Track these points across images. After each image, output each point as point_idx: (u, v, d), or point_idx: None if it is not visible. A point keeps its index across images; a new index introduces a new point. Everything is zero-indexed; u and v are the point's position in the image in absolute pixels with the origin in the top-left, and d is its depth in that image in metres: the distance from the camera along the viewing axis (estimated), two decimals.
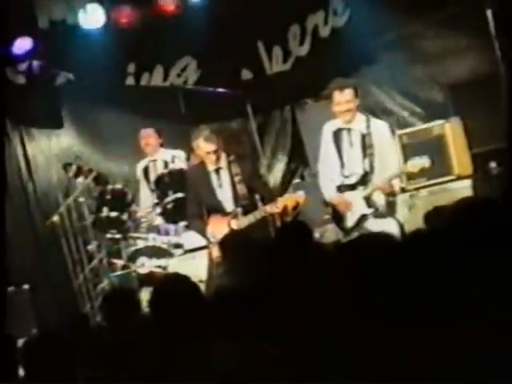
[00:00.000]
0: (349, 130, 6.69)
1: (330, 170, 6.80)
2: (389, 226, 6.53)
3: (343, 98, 6.59)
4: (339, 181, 6.75)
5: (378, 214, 6.63)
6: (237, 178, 6.83)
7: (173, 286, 3.33)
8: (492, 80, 7.78)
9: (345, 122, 6.68)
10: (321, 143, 6.95)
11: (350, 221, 6.71)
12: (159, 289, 3.43)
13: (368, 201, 6.63)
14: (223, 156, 6.92)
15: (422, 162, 6.65)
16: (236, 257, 5.22)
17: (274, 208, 6.63)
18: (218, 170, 6.91)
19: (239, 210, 6.80)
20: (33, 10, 8.68)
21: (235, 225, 6.75)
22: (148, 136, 8.60)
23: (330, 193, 6.78)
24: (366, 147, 6.65)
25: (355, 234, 6.64)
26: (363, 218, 6.65)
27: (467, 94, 7.98)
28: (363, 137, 6.65)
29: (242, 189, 6.81)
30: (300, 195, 6.67)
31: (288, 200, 6.64)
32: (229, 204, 6.88)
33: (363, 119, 6.70)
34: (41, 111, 9.28)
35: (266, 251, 4.52)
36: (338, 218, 6.79)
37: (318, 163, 7.05)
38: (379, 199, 6.68)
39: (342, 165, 6.74)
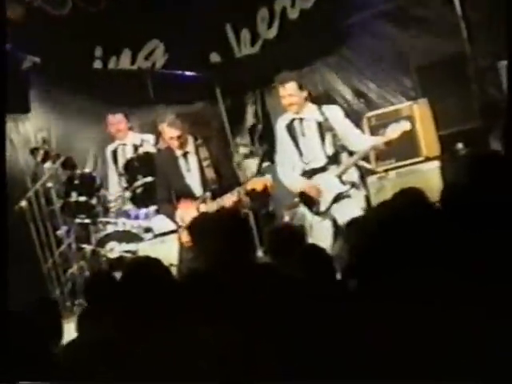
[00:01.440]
0: (300, 119, 6.74)
1: (289, 161, 6.82)
2: (356, 210, 6.58)
3: (286, 92, 6.65)
4: (300, 168, 6.77)
5: (350, 194, 6.66)
6: (205, 163, 6.80)
7: (143, 269, 3.31)
8: (459, 61, 7.82)
9: (295, 113, 6.73)
10: (276, 137, 6.98)
11: (324, 204, 6.72)
12: (130, 271, 3.41)
13: (341, 178, 6.66)
14: (191, 140, 6.88)
15: (402, 125, 6.56)
16: (205, 240, 5.22)
17: (242, 192, 6.62)
18: (185, 155, 6.87)
19: (208, 194, 6.79)
20: None
21: (204, 209, 6.73)
22: (117, 122, 8.54)
23: (294, 181, 6.80)
24: (324, 130, 6.67)
25: (330, 216, 6.67)
26: (339, 196, 6.66)
27: (434, 75, 8.01)
28: (319, 124, 6.69)
29: (210, 173, 6.78)
30: (267, 178, 6.67)
31: (256, 183, 6.64)
32: (197, 188, 6.86)
33: (314, 108, 6.74)
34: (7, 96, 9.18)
35: (236, 234, 4.52)
36: (309, 203, 6.81)
37: (274, 156, 7.06)
38: (353, 176, 6.72)
39: (301, 153, 6.76)
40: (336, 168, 6.66)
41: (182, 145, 6.80)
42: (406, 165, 7.83)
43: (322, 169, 6.71)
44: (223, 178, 6.81)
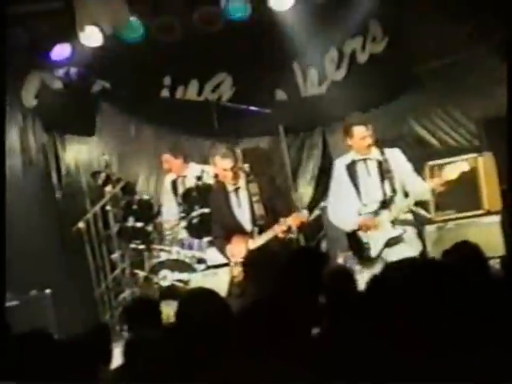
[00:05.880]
0: (364, 160, 6.76)
1: (346, 202, 6.82)
2: (415, 249, 6.55)
3: (368, 132, 6.71)
4: (357, 210, 6.76)
5: (404, 238, 6.61)
6: (254, 198, 6.83)
7: (202, 300, 3.32)
8: None
9: (361, 154, 6.75)
10: (332, 178, 7.01)
11: (375, 249, 6.68)
12: (187, 301, 3.41)
13: (394, 223, 6.63)
14: (242, 176, 6.92)
15: (459, 167, 6.58)
16: (255, 276, 5.24)
17: (281, 227, 6.64)
18: (237, 190, 6.92)
19: (255, 229, 6.82)
20: (74, 17, 8.76)
21: (252, 244, 6.77)
22: (166, 161, 8.58)
23: (349, 222, 6.77)
24: (384, 172, 6.69)
25: (378, 265, 6.62)
26: (391, 241, 6.62)
27: (501, 129, 7.91)
28: (380, 163, 6.73)
29: (259, 209, 6.81)
30: (304, 214, 6.67)
31: (292, 219, 6.63)
32: (247, 224, 6.89)
33: (376, 150, 6.80)
34: (75, 117, 9.36)
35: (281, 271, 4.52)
36: (359, 248, 6.78)
37: (327, 198, 7.06)
38: (407, 221, 6.68)
39: (359, 194, 6.77)
40: (389, 213, 6.64)
41: (235, 176, 6.84)
42: (466, 217, 7.72)
43: (375, 213, 6.69)
44: (275, 214, 6.82)
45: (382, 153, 6.76)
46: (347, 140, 6.79)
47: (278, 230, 6.64)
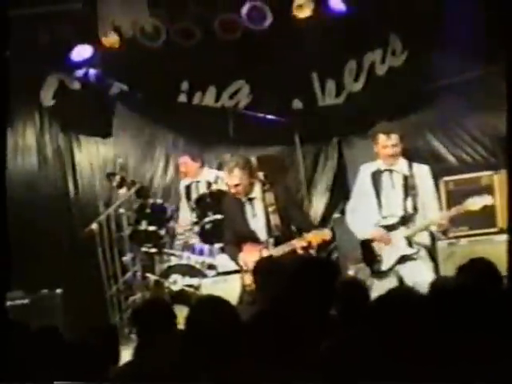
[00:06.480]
0: (391, 171, 6.71)
1: (365, 210, 6.77)
2: (424, 273, 6.49)
3: (390, 142, 6.63)
4: (375, 221, 6.72)
5: (418, 257, 6.58)
6: (270, 208, 6.79)
7: (212, 308, 3.32)
8: None
9: (387, 164, 6.69)
10: (355, 183, 6.97)
11: (387, 263, 6.65)
12: (197, 308, 3.41)
13: (410, 241, 6.60)
14: (258, 185, 6.88)
15: (484, 199, 6.54)
16: (265, 284, 5.24)
17: (301, 243, 6.59)
18: (251, 200, 6.88)
19: (271, 240, 6.78)
20: (95, 19, 8.82)
21: (266, 255, 6.73)
22: (184, 163, 8.60)
23: (364, 231, 6.75)
24: (409, 188, 6.64)
25: (389, 279, 6.60)
26: (403, 258, 6.60)
27: None
28: (405, 178, 6.66)
29: (275, 219, 6.77)
30: (326, 232, 6.62)
31: (314, 237, 6.60)
32: (262, 234, 6.85)
33: (405, 162, 6.73)
34: (91, 119, 9.40)
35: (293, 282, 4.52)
36: (371, 259, 6.75)
37: (348, 202, 7.03)
38: (422, 240, 6.64)
39: (380, 205, 6.72)
40: (406, 229, 6.61)
41: (241, 192, 6.79)
42: (480, 234, 7.68)
43: (392, 227, 6.66)
44: (290, 224, 6.79)
45: (410, 167, 6.71)
46: (374, 147, 6.77)
47: (297, 244, 6.59)
